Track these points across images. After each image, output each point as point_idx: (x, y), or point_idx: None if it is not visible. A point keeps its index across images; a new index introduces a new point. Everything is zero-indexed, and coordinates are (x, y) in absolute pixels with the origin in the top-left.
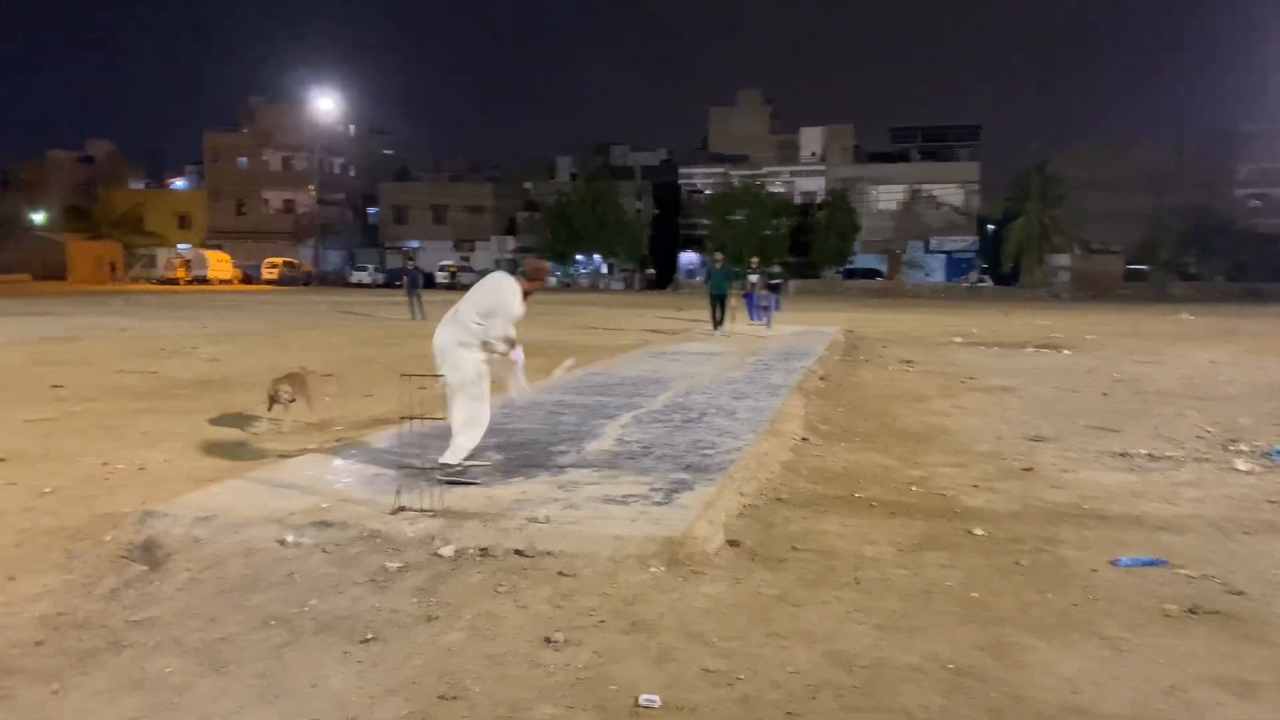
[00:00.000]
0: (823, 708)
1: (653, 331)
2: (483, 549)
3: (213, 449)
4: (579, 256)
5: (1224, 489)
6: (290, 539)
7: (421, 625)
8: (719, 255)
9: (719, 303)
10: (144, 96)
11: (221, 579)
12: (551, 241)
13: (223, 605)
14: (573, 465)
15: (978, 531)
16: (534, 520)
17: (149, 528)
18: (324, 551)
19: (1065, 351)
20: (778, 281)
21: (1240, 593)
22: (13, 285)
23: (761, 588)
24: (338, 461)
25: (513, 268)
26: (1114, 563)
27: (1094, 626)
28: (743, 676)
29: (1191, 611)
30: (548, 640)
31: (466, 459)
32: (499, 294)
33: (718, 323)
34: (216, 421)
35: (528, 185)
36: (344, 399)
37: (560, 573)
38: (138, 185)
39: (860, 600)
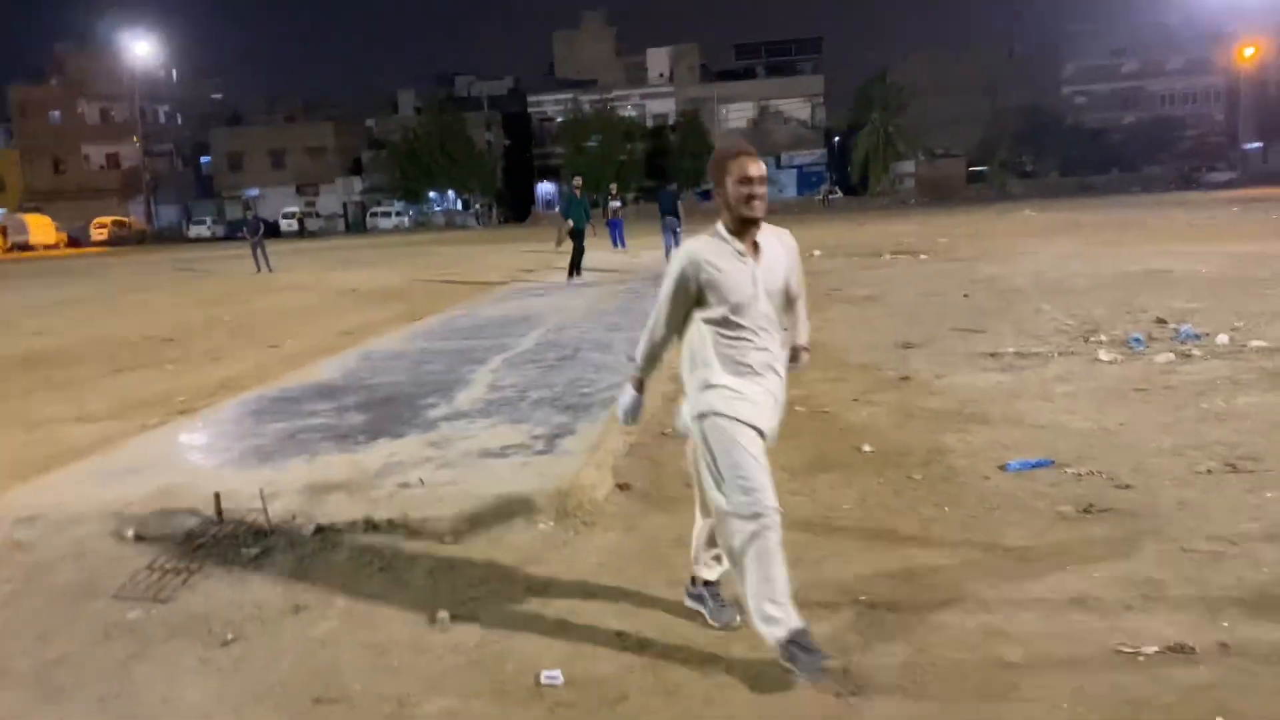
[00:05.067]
0: (738, 663)
1: (515, 268)
2: (351, 523)
3: (40, 434)
4: (431, 194)
5: (1093, 381)
6: (130, 533)
7: (288, 617)
8: (578, 180)
9: (580, 239)
10: None
11: (51, 588)
12: (401, 180)
13: (54, 619)
14: (444, 419)
15: (866, 448)
16: (406, 485)
17: None
18: (171, 544)
19: (921, 256)
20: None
21: (1128, 486)
22: None
23: (657, 532)
24: (183, 437)
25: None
26: (1003, 468)
27: (996, 537)
28: (650, 635)
29: (1086, 511)
30: (433, 620)
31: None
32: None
33: (578, 267)
34: (46, 402)
35: (370, 122)
36: (188, 365)
37: (440, 541)
38: None
39: None
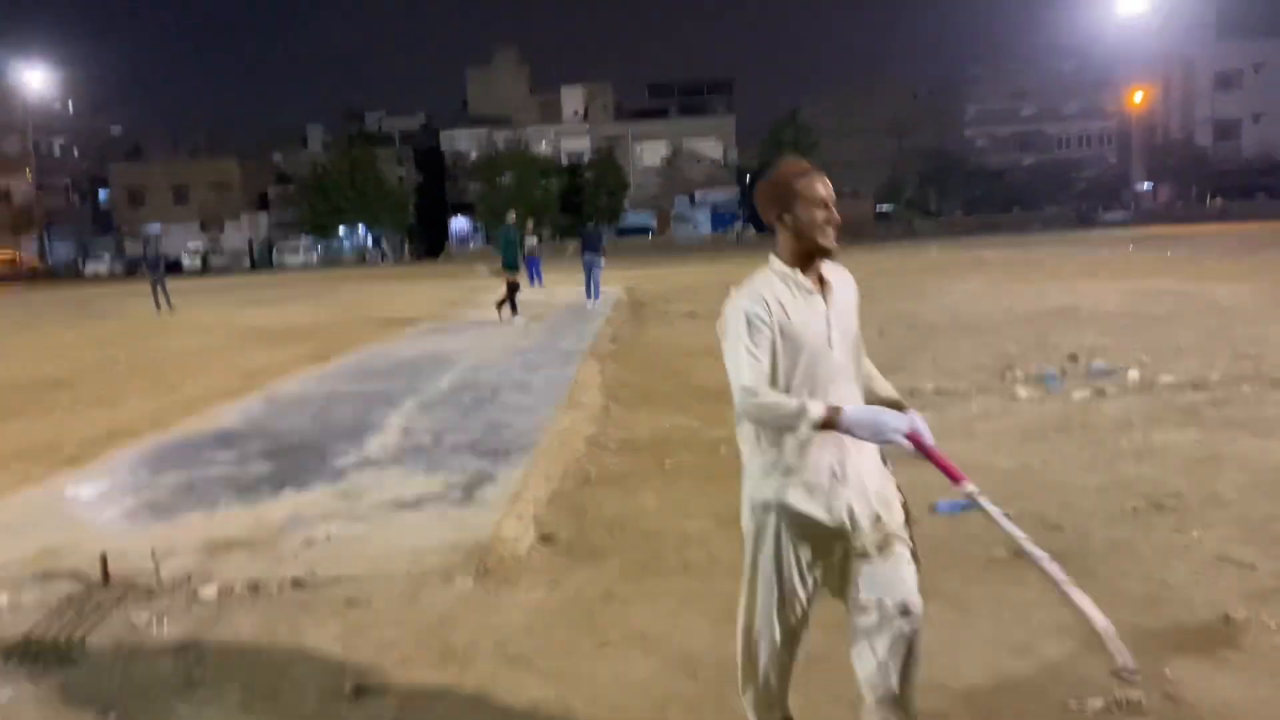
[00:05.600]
0: None
1: (429, 304)
2: (253, 584)
3: None
4: (341, 230)
5: (1013, 418)
6: (4, 600)
7: (182, 693)
8: (512, 215)
9: (512, 272)
10: None
11: None
12: (310, 215)
13: None
14: (354, 467)
15: None
16: (313, 542)
17: None
18: (50, 609)
19: None
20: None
21: (1057, 526)
22: None
23: (584, 588)
24: (69, 491)
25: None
26: (933, 509)
27: (933, 583)
28: (578, 704)
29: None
30: (342, 693)
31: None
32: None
33: (514, 304)
34: None
35: (277, 157)
36: (78, 411)
37: (349, 602)
38: None
39: (691, 587)
